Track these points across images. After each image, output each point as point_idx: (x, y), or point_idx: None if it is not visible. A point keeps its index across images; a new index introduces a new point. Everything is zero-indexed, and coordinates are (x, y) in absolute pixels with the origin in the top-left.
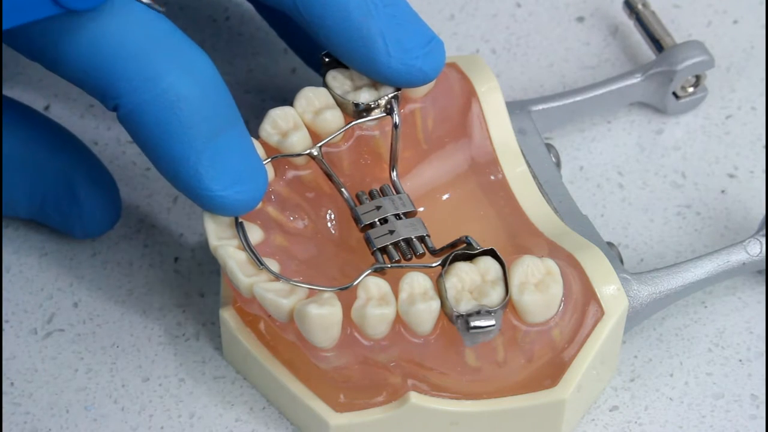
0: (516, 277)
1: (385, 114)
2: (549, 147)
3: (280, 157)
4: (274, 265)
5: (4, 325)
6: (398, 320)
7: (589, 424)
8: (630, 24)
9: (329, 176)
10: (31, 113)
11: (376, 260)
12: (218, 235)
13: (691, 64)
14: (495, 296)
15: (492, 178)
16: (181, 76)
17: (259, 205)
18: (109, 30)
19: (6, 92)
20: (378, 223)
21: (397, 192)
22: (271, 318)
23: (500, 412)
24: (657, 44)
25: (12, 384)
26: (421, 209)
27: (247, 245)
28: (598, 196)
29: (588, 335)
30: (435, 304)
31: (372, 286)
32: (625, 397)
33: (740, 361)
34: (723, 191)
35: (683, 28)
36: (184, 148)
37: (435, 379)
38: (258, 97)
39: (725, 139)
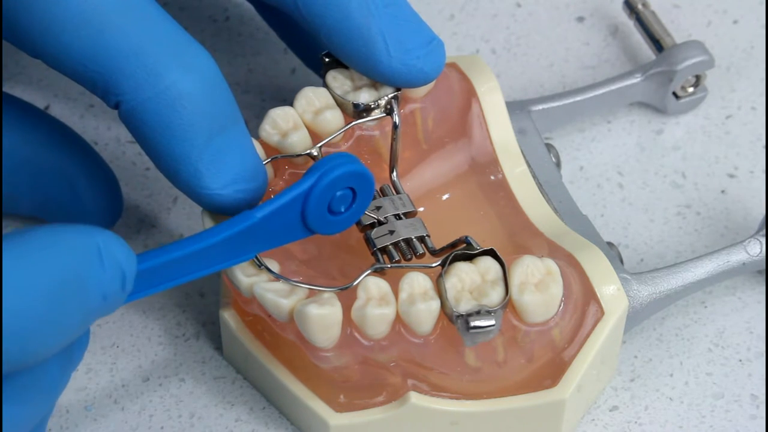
0: (516, 277)
1: (385, 114)
2: (549, 147)
3: (280, 157)
4: (274, 265)
5: None
6: (398, 320)
7: (589, 424)
8: (630, 24)
9: None
10: (33, 110)
11: (376, 260)
12: None
13: (691, 64)
14: (495, 296)
15: (492, 178)
16: (183, 73)
17: None
18: (112, 27)
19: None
20: (378, 223)
21: (397, 192)
22: (271, 318)
23: (500, 412)
24: (657, 44)
25: None
26: (421, 209)
27: None
28: (598, 196)
29: (588, 335)
30: (435, 304)
31: (372, 286)
32: (625, 397)
33: (740, 361)
34: (723, 191)
35: (683, 28)
36: (185, 146)
37: (435, 379)
38: (258, 97)
39: (725, 139)
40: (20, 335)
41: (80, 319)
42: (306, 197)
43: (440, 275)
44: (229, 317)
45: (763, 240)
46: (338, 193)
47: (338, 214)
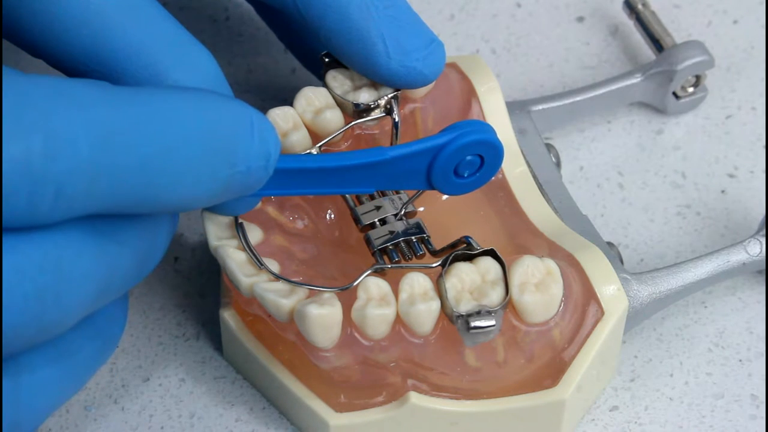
0: (516, 277)
1: (384, 114)
2: (549, 147)
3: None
4: (274, 265)
5: None
6: (398, 320)
7: (589, 424)
8: (630, 24)
9: None
10: None
11: (376, 261)
12: (218, 236)
13: (691, 64)
14: (495, 296)
15: (492, 178)
16: (185, 73)
17: (259, 205)
18: (113, 26)
19: None
20: (378, 223)
21: (397, 192)
22: (271, 318)
23: (500, 412)
24: (657, 44)
25: None
26: (421, 209)
27: (246, 245)
28: (598, 196)
29: (588, 335)
30: (435, 305)
31: (372, 286)
32: (625, 397)
33: (740, 361)
34: (723, 191)
35: (683, 28)
36: None
37: (435, 379)
38: (258, 97)
39: (725, 139)
40: (171, 172)
41: (226, 177)
42: (438, 152)
43: (440, 275)
44: (229, 317)
45: (763, 240)
46: (468, 157)
47: (460, 177)
